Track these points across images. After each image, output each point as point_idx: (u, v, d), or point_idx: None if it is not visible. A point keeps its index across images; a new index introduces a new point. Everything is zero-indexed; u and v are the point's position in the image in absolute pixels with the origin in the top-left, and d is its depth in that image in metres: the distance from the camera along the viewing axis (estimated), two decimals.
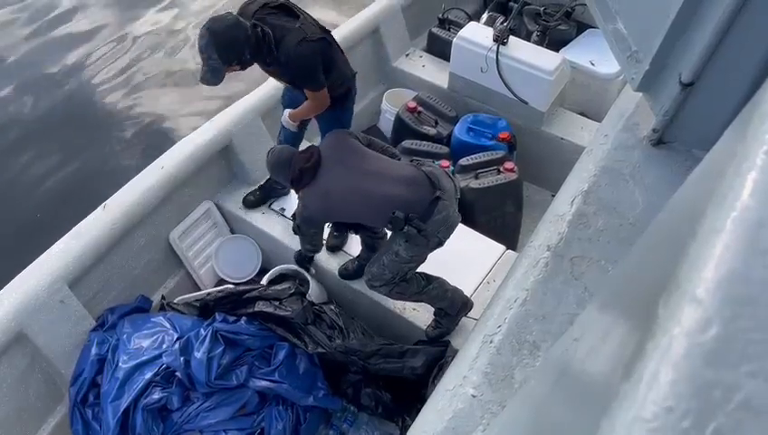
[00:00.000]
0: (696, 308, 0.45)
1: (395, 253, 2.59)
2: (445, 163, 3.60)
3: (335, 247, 3.29)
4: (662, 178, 1.92)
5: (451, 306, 2.89)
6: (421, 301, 2.88)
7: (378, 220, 2.64)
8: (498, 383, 1.55)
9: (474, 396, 1.53)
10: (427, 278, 2.80)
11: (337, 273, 3.18)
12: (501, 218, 3.56)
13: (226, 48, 2.38)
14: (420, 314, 3.04)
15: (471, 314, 2.97)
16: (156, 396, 2.61)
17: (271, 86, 3.61)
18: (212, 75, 2.43)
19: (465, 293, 2.95)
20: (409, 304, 3.06)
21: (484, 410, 1.50)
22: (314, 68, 2.63)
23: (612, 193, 1.90)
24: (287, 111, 3.02)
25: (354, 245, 3.25)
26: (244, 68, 2.55)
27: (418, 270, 2.74)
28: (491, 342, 1.63)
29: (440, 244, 2.61)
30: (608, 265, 1.74)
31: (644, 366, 0.45)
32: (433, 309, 2.94)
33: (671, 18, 1.70)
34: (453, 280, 3.11)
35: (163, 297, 3.14)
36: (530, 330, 1.63)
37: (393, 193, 2.50)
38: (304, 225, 2.72)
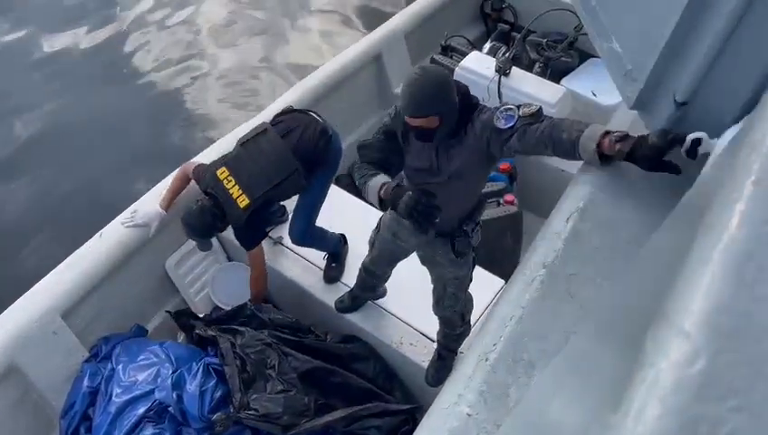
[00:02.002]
0: (684, 341, 0.45)
1: (454, 278, 2.52)
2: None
3: (333, 279, 3.27)
4: (657, 196, 1.88)
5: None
6: (460, 340, 2.89)
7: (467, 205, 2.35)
8: (494, 402, 1.52)
9: (469, 415, 1.51)
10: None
11: (333, 306, 3.15)
12: (499, 251, 3.54)
13: (201, 231, 2.82)
14: (417, 349, 3.01)
15: (464, 349, 2.95)
16: (148, 432, 2.57)
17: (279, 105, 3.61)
18: (202, 246, 3.04)
19: None
20: (406, 339, 3.04)
21: (479, 428, 1.48)
22: (249, 238, 2.99)
23: (608, 211, 1.88)
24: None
25: (350, 276, 3.23)
26: (223, 230, 2.93)
27: None
28: (486, 360, 1.61)
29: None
30: (603, 282, 1.72)
31: (631, 399, 0.44)
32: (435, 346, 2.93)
33: (666, 37, 1.69)
34: None
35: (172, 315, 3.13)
36: (525, 348, 1.61)
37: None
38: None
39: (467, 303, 2.77)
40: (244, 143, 2.87)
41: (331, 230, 3.25)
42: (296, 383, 2.76)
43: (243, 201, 2.71)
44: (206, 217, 2.73)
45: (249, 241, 2.97)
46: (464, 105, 2.04)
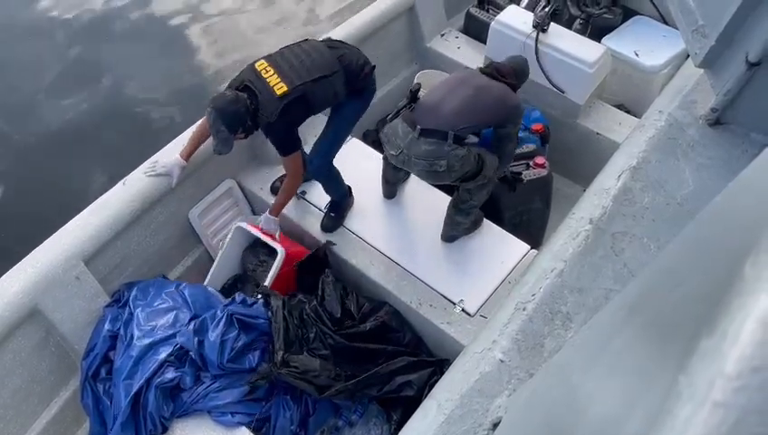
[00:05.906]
0: None
1: None
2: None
3: (327, 228, 3.26)
4: (716, 160, 1.85)
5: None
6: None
7: None
8: (528, 351, 1.55)
9: (502, 361, 1.53)
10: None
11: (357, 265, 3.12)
12: (527, 215, 3.45)
13: (231, 120, 2.59)
14: (437, 311, 2.97)
15: (485, 313, 2.90)
16: (169, 375, 2.62)
17: None
18: (223, 145, 2.65)
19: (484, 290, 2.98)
20: (425, 300, 3.00)
21: (512, 375, 1.50)
22: (282, 139, 2.81)
23: (662, 171, 1.85)
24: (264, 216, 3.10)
25: (361, 224, 3.19)
26: (247, 136, 2.75)
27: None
28: (524, 309, 1.62)
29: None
30: (650, 243, 1.70)
31: (729, 323, 0.42)
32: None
33: None
34: (471, 277, 3.04)
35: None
36: (564, 301, 1.61)
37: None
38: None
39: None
40: (286, 46, 2.84)
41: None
42: (329, 357, 2.81)
43: (280, 88, 2.64)
44: (239, 106, 2.60)
45: (284, 144, 2.84)
46: None
